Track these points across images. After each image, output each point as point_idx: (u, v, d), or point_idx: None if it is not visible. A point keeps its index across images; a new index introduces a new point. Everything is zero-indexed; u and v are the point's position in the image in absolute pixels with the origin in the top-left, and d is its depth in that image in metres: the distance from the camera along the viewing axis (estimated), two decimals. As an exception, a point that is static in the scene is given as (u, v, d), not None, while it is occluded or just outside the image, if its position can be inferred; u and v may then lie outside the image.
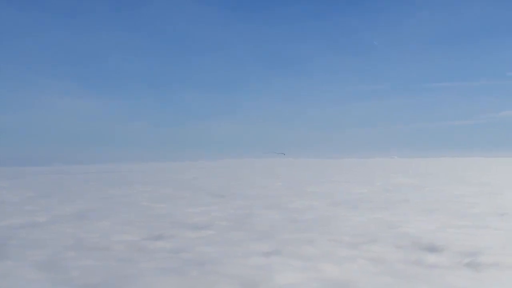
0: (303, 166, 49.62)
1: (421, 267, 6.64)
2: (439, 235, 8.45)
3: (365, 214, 11.21)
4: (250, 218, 10.84)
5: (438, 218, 10.42)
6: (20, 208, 12.99)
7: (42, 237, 8.66)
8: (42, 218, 11.03)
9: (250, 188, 19.45)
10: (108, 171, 39.13)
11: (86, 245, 8.08)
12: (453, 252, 7.34)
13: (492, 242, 7.86)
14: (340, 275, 6.24)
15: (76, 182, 23.80)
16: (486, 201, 13.56)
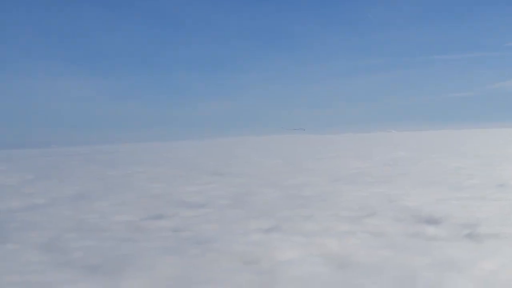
0: (303, 143, 49.67)
1: (421, 239, 6.73)
2: (438, 208, 8.54)
3: (364, 189, 11.29)
4: (248, 196, 10.91)
5: (437, 191, 10.50)
6: (18, 190, 13.04)
7: (42, 219, 8.72)
8: (41, 200, 11.09)
9: (248, 166, 19.52)
10: (104, 152, 39.15)
11: (86, 226, 8.15)
12: (452, 224, 7.42)
13: (491, 213, 7.94)
14: (340, 249, 6.32)
15: (73, 164, 23.83)
16: (484, 173, 13.65)
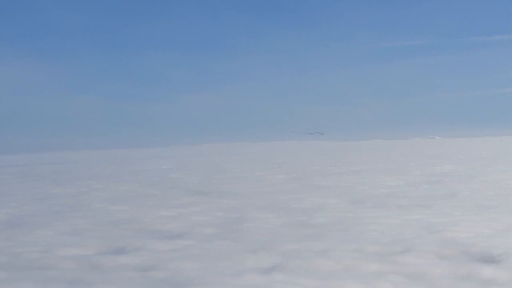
0: (318, 151, 49.70)
1: (474, 284, 6.69)
2: (497, 241, 8.50)
3: (397, 215, 11.24)
4: (242, 223, 10.86)
5: (495, 218, 10.47)
6: None
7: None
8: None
9: (242, 183, 19.47)
10: (48, 162, 39.06)
11: (22, 263, 8.09)
12: (516, 264, 7.38)
13: None
14: (365, 297, 6.27)
15: (5, 178, 23.76)
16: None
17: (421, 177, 19.65)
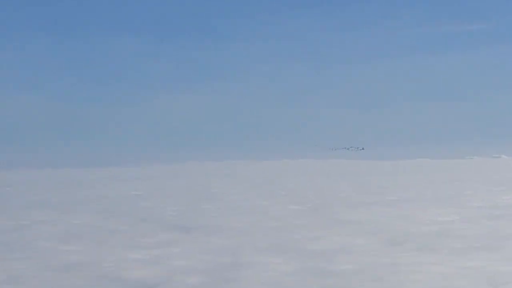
0: (341, 172, 49.62)
1: None
2: None
3: (449, 261, 11.22)
4: (237, 269, 10.85)
5: None
6: None
7: None
8: None
9: (237, 215, 19.44)
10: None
11: None
12: None
13: None
14: None
15: None
16: None
17: (482, 210, 19.62)
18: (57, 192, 31.56)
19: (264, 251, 12.58)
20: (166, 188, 33.81)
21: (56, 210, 21.52)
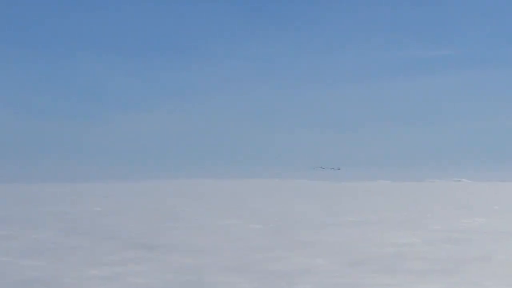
0: (305, 193, 49.64)
1: None
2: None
3: (409, 283, 11.28)
4: (200, 288, 10.84)
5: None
6: None
7: None
8: None
9: (201, 234, 19.41)
10: None
11: None
12: None
13: None
14: None
15: None
16: None
17: (442, 233, 19.72)
18: (20, 207, 31.37)
19: (226, 271, 12.58)
20: (130, 205, 33.69)
21: (18, 225, 21.41)
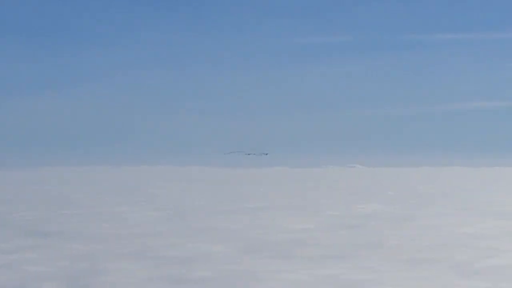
0: (202, 180, 49.62)
1: None
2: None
3: (304, 268, 11.33)
4: (94, 275, 10.76)
5: (429, 277, 10.68)
6: None
7: None
8: None
9: (96, 221, 19.24)
10: None
11: None
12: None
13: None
14: None
15: None
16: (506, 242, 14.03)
17: (337, 219, 19.89)
18: None
19: (121, 258, 12.49)
20: (24, 193, 33.21)
21: None
